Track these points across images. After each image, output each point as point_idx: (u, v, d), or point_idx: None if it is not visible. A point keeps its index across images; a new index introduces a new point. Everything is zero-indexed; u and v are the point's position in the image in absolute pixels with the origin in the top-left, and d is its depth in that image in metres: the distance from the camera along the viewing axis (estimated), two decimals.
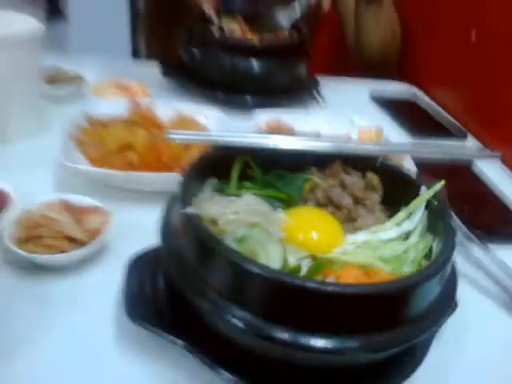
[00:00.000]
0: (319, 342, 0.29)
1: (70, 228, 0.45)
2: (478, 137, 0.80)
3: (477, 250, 0.51)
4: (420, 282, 0.31)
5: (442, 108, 0.89)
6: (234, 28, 0.82)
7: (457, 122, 0.84)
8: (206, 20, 0.81)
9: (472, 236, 0.52)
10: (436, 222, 0.38)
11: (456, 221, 0.55)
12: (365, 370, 0.34)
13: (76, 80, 0.75)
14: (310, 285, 0.30)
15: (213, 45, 0.78)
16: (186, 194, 0.36)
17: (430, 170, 0.48)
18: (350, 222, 0.41)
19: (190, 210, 0.34)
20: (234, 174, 0.41)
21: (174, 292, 0.37)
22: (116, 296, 0.41)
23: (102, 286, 0.43)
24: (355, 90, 0.93)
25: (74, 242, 0.45)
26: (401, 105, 0.89)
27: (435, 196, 0.39)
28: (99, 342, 0.38)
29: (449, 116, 0.86)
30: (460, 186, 0.62)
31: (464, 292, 0.42)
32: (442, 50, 0.96)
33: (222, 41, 0.78)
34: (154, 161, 0.57)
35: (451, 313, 0.39)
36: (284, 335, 0.29)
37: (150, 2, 1.05)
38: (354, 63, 1.06)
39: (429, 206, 0.39)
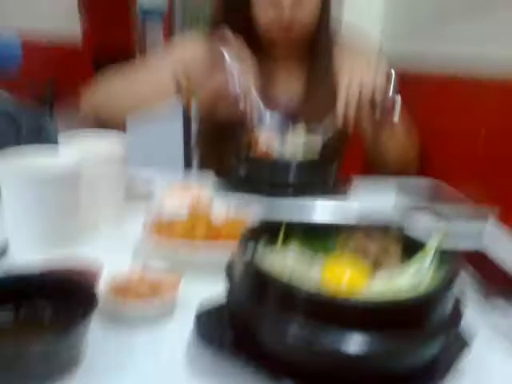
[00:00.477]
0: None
1: (149, 288, 0.57)
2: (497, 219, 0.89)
3: (493, 308, 0.59)
4: (428, 298, 0.40)
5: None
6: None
7: (477, 206, 0.93)
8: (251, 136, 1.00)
9: (488, 295, 0.60)
10: (442, 262, 0.47)
11: (474, 284, 0.63)
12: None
13: (147, 186, 0.93)
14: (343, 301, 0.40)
15: (257, 162, 0.98)
16: (245, 247, 0.47)
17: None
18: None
19: (248, 257, 0.46)
20: (281, 234, 0.52)
21: (237, 326, 0.47)
22: (186, 342, 0.51)
23: (175, 334, 0.52)
24: (383, 185, 1.06)
25: (153, 299, 0.56)
26: (424, 193, 1.00)
27: (440, 244, 0.49)
28: (175, 374, 0.47)
29: (470, 201, 0.95)
30: (479, 261, 0.71)
31: (483, 341, 0.50)
32: (458, 149, 1.09)
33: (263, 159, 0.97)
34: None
35: (464, 348, 0.47)
36: (326, 340, 0.39)
37: (203, 124, 1.26)
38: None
39: (437, 252, 0.49)
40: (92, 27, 4.33)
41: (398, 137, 1.07)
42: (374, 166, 1.16)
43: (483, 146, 0.97)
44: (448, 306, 0.42)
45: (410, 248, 0.51)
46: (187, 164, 1.33)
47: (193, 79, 1.01)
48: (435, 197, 0.97)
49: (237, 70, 0.96)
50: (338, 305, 0.40)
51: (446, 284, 0.42)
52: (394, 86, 0.99)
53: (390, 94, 0.99)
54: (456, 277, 0.43)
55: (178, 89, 1.02)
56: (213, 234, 0.71)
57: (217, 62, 0.97)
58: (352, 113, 0.97)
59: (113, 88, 1.15)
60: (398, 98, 1.00)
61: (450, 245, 0.49)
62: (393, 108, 1.00)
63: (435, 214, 0.87)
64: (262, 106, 1.02)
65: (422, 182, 1.08)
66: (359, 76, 0.96)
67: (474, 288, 0.63)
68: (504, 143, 0.91)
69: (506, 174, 0.89)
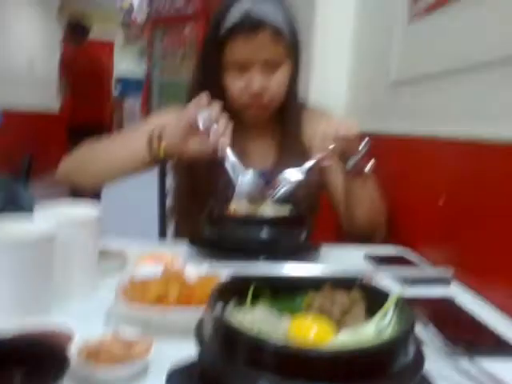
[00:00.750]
0: None
1: (121, 351, 0.58)
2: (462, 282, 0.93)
3: (460, 362, 0.61)
4: (392, 343, 0.43)
5: (429, 261, 1.04)
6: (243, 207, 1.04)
7: (441, 270, 0.97)
8: (225, 200, 1.04)
9: (454, 349, 0.63)
10: (402, 315, 0.50)
11: (440, 339, 0.65)
12: None
13: (120, 254, 0.94)
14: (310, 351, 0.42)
15: (228, 220, 1.01)
16: (214, 305, 0.49)
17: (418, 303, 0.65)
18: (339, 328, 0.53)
19: (218, 313, 0.48)
20: (250, 293, 0.54)
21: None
22: None
23: None
24: (352, 251, 1.10)
25: (125, 361, 0.56)
26: (391, 259, 1.04)
27: (399, 299, 0.52)
28: None
29: (435, 267, 1.00)
30: (443, 313, 0.74)
31: None
32: (421, 215, 1.15)
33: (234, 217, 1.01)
34: (186, 304, 0.71)
35: None
36: None
37: (178, 189, 1.29)
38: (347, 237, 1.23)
39: (397, 306, 0.52)
40: (70, 101, 4.47)
41: (368, 190, 1.10)
42: (343, 222, 1.19)
43: (446, 210, 1.03)
44: (410, 350, 0.45)
45: (375, 303, 0.54)
46: (162, 233, 1.35)
47: (167, 141, 1.05)
48: (401, 263, 1.02)
49: (213, 131, 1.01)
50: (305, 355, 0.42)
51: (407, 329, 0.45)
52: (366, 145, 1.04)
53: (363, 150, 1.03)
54: (415, 323, 0.46)
55: (151, 150, 1.06)
56: (187, 293, 0.72)
57: (192, 124, 1.02)
58: (329, 147, 0.99)
59: (88, 153, 1.19)
60: (372, 160, 1.06)
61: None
62: (365, 163, 1.06)
63: (400, 278, 0.91)
64: (239, 165, 1.05)
65: (390, 249, 1.12)
66: (333, 129, 1.00)
67: (437, 340, 0.66)
68: (464, 204, 0.97)
69: (470, 236, 0.94)
